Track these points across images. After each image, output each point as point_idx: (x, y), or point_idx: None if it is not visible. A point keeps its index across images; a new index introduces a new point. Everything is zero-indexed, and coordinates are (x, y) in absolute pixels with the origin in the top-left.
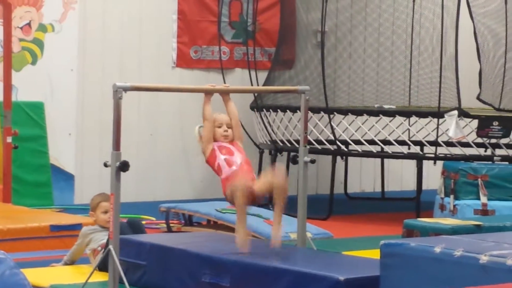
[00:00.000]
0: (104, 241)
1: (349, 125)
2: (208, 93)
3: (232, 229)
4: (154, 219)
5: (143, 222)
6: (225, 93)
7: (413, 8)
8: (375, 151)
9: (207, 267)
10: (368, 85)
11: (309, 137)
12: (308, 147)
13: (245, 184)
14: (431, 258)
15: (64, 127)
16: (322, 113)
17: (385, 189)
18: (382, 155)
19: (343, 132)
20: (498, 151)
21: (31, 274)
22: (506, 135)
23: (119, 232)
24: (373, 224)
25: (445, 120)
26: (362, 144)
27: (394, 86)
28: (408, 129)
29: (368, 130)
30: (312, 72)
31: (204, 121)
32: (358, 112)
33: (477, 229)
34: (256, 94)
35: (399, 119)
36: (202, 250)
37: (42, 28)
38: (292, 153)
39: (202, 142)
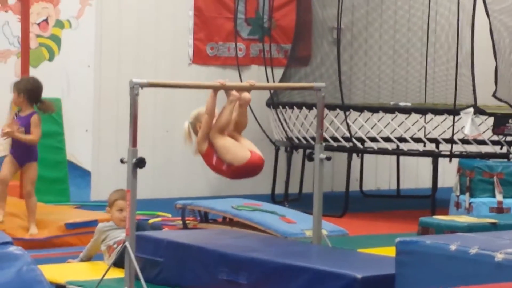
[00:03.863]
0: (120, 238)
1: (365, 122)
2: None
3: (248, 227)
4: (170, 216)
5: (159, 219)
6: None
7: (429, 5)
8: (390, 149)
9: (224, 264)
10: (383, 82)
11: (324, 134)
12: (324, 144)
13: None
14: (446, 255)
15: (81, 123)
16: (338, 110)
17: (401, 187)
18: (398, 153)
19: (358, 129)
20: None
21: (47, 270)
22: None
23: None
24: (388, 222)
25: (460, 118)
26: (378, 141)
27: (409, 83)
28: (424, 127)
29: (384, 128)
30: (328, 69)
31: (204, 115)
32: (373, 109)
33: (493, 227)
34: (272, 91)
35: (414, 116)
36: (219, 247)
37: (59, 24)
38: (307, 150)
39: (190, 139)
